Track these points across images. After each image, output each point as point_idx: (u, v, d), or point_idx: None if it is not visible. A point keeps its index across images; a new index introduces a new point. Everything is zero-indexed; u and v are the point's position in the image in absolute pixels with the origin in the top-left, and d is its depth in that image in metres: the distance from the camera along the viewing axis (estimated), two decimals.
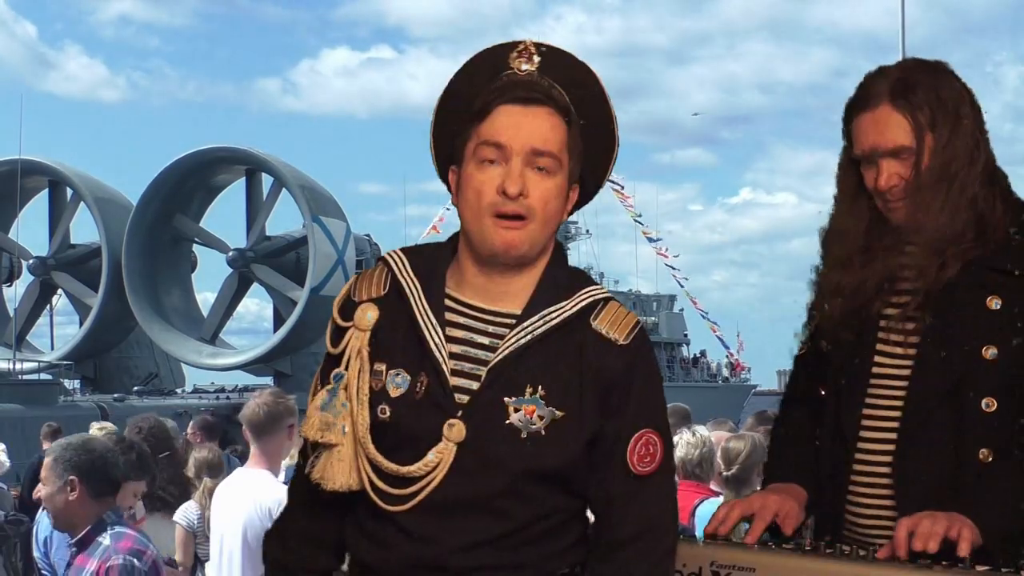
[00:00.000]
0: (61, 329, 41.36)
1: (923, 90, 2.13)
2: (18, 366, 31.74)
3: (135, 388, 34.99)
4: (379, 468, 1.84)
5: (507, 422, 1.81)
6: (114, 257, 35.59)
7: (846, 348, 2.22)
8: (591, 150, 1.93)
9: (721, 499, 4.97)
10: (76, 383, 35.73)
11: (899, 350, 2.16)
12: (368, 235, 40.91)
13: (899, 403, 2.15)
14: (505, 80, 1.86)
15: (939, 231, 2.10)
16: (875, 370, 2.19)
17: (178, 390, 37.28)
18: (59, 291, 39.63)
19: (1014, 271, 2.10)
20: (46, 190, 39.39)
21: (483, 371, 1.84)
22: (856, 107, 2.19)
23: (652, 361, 1.96)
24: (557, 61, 1.90)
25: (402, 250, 1.94)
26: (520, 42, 1.89)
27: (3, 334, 36.08)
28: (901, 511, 2.09)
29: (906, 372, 2.15)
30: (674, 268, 55.90)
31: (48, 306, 40.49)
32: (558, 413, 1.82)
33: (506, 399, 1.82)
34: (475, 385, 1.83)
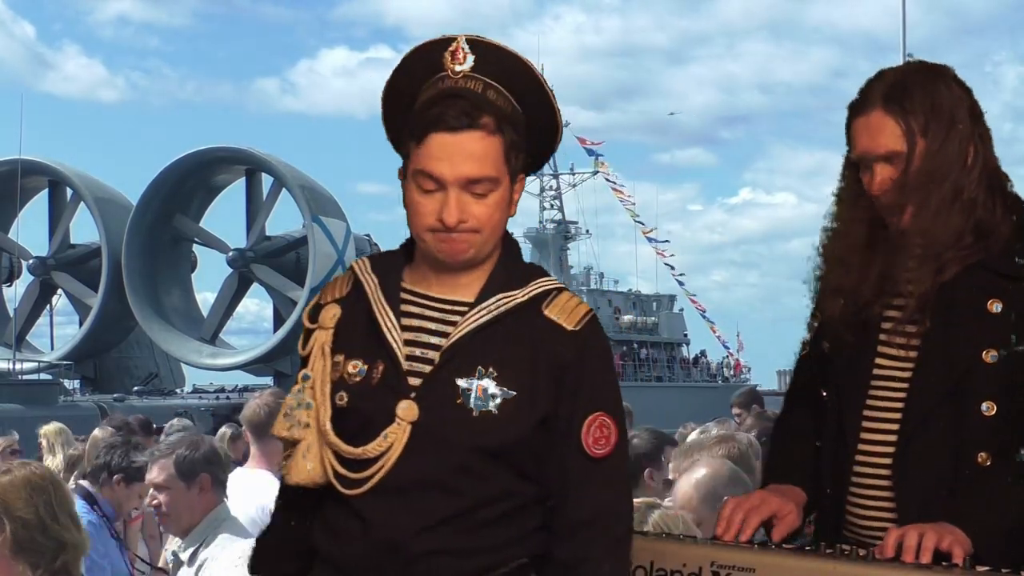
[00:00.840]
0: (61, 329, 41.48)
1: (918, 95, 2.12)
2: (18, 366, 31.80)
3: (135, 388, 35.07)
4: (340, 455, 1.89)
5: (458, 401, 1.86)
6: (114, 257, 35.67)
7: (847, 350, 2.22)
8: (536, 135, 1.99)
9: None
10: (76, 383, 35.76)
11: (900, 352, 2.16)
12: (368, 235, 40.99)
13: (899, 405, 2.15)
14: (440, 90, 1.90)
15: (930, 233, 2.10)
16: (876, 371, 2.19)
17: (178, 390, 37.35)
18: (59, 291, 39.72)
19: (1015, 274, 2.09)
20: (46, 190, 39.51)
21: (436, 355, 1.89)
22: (854, 110, 2.20)
23: (604, 348, 2.00)
24: (491, 56, 1.93)
25: (367, 256, 2.04)
26: (452, 40, 1.92)
27: (3, 334, 36.16)
28: (900, 512, 2.09)
29: (907, 374, 2.15)
30: (672, 268, 55.83)
31: (48, 306, 40.56)
32: (510, 392, 1.87)
33: (458, 380, 1.87)
34: (428, 368, 1.90)
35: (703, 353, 59.25)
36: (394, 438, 1.86)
